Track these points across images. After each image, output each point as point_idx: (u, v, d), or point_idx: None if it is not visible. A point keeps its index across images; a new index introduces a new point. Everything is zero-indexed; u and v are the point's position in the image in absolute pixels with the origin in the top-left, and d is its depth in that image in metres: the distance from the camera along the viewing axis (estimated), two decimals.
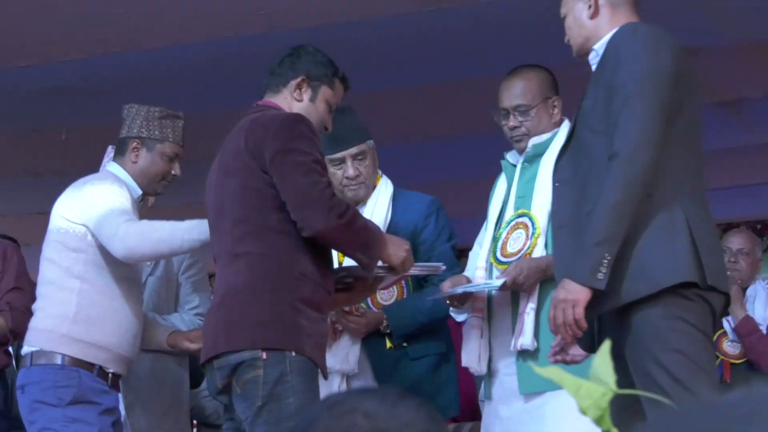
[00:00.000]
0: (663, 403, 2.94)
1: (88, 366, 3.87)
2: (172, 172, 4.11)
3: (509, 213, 3.85)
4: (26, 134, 6.38)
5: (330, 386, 3.89)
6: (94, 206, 3.89)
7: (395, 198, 4.13)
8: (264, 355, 3.29)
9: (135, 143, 4.05)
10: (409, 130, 6.44)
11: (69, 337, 3.86)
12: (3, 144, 6.57)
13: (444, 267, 3.83)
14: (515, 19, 4.85)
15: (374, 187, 4.14)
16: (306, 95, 3.55)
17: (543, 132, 3.82)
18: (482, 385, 4.00)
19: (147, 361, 4.44)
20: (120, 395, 4.08)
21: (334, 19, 4.95)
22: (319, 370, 3.41)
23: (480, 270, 3.85)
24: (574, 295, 3.04)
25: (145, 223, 3.84)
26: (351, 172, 4.06)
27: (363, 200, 4.11)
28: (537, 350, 3.67)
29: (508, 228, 3.82)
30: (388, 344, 4.01)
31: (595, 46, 3.28)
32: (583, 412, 0.99)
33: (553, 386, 3.60)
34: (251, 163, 3.38)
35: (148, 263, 4.66)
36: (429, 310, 4.01)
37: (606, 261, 3.02)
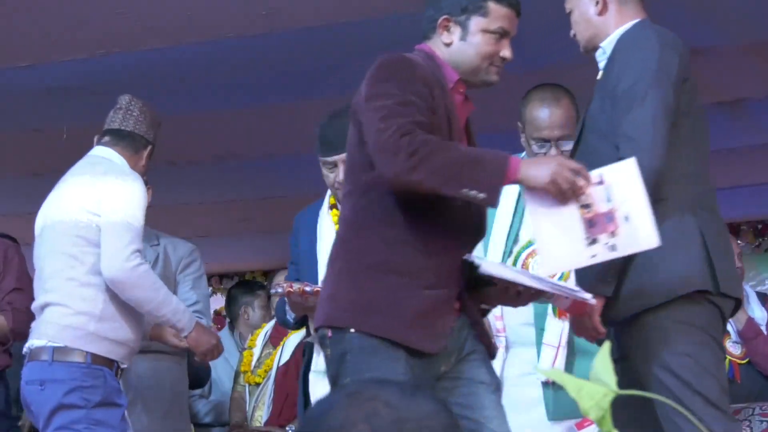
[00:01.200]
0: (670, 405, 2.94)
1: (109, 364, 3.87)
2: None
3: (526, 230, 3.77)
4: (27, 134, 6.38)
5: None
6: (115, 206, 3.88)
7: None
8: (329, 333, 3.05)
9: (150, 149, 4.11)
10: None
11: (96, 335, 3.84)
12: (3, 144, 6.57)
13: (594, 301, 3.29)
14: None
15: None
16: (455, 35, 3.12)
17: None
18: None
19: (147, 361, 4.44)
20: None
21: (334, 19, 4.95)
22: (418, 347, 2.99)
23: None
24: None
25: (152, 276, 3.88)
26: (342, 176, 4.06)
27: None
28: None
29: (530, 249, 3.78)
30: None
31: (603, 44, 3.25)
32: (585, 413, 0.99)
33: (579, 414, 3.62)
34: (353, 117, 3.11)
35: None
36: None
37: (610, 269, 3.01)
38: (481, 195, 2.86)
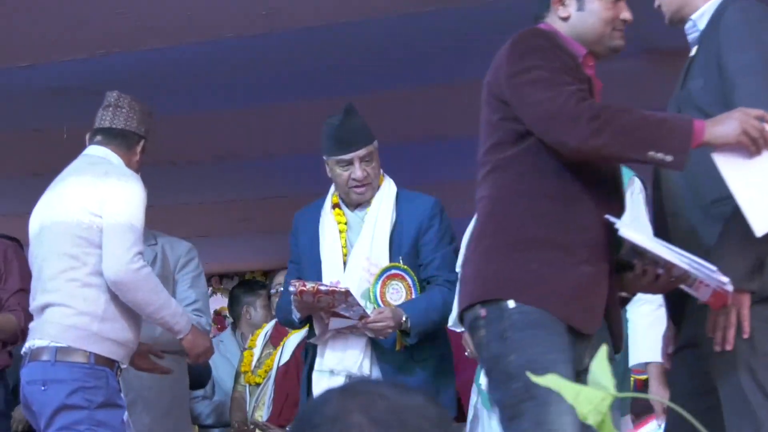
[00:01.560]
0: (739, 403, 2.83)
1: (111, 364, 3.87)
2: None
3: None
4: (27, 134, 6.38)
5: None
6: (118, 208, 3.87)
7: (399, 199, 4.14)
8: (483, 313, 2.86)
9: (143, 143, 4.09)
10: (409, 130, 6.44)
11: (98, 335, 3.83)
12: (4, 144, 6.57)
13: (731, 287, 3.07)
14: (515, 19, 4.85)
15: (378, 188, 4.15)
16: (571, 7, 3.04)
17: None
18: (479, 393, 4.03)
19: None
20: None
21: (334, 19, 4.95)
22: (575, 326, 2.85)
23: None
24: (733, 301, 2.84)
25: (153, 279, 3.88)
26: (359, 174, 4.06)
27: (368, 201, 4.12)
28: None
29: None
30: (397, 346, 4.00)
31: (693, 16, 3.10)
32: (584, 418, 0.99)
33: None
34: (488, 94, 3.01)
35: None
36: (440, 307, 4.02)
37: (758, 263, 2.85)
38: (669, 158, 2.73)
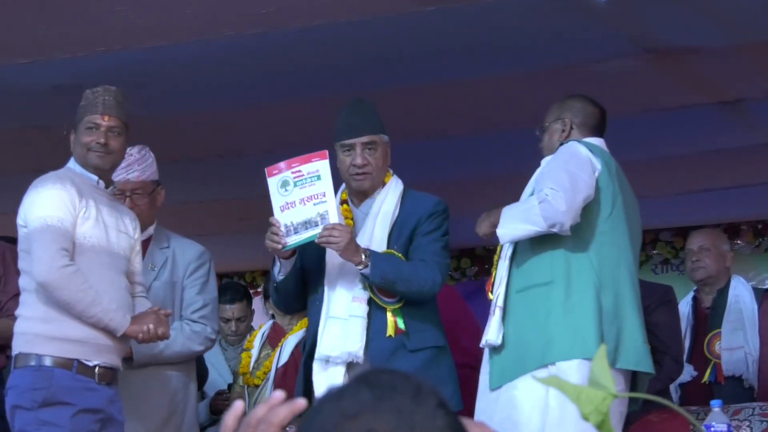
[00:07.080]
0: None
1: (66, 363, 3.86)
2: (98, 140, 4.03)
3: None
4: (28, 131, 6.38)
5: (334, 377, 3.92)
6: (32, 214, 3.91)
7: (404, 197, 4.16)
8: None
9: (70, 130, 4.14)
10: (410, 130, 6.44)
11: (42, 337, 3.87)
12: (4, 141, 6.56)
13: None
14: (516, 19, 4.86)
15: (384, 184, 4.16)
16: None
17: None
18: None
19: (140, 373, 4.43)
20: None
21: (334, 19, 4.95)
22: None
23: None
24: None
25: (80, 277, 3.83)
26: (359, 160, 4.06)
27: (367, 192, 4.13)
28: (502, 345, 3.77)
29: None
30: (389, 331, 4.01)
31: None
32: (585, 417, 0.99)
33: (508, 378, 3.67)
34: None
35: (154, 268, 4.62)
36: (417, 270, 3.99)
37: None
38: None
